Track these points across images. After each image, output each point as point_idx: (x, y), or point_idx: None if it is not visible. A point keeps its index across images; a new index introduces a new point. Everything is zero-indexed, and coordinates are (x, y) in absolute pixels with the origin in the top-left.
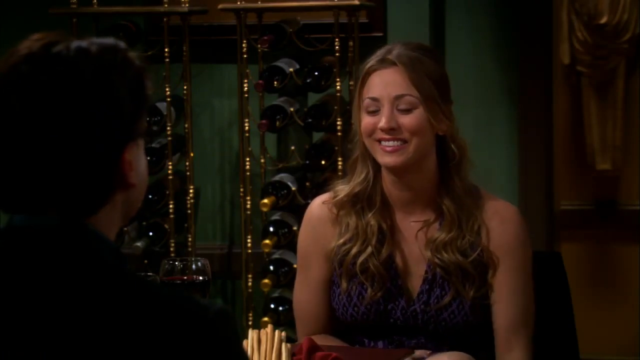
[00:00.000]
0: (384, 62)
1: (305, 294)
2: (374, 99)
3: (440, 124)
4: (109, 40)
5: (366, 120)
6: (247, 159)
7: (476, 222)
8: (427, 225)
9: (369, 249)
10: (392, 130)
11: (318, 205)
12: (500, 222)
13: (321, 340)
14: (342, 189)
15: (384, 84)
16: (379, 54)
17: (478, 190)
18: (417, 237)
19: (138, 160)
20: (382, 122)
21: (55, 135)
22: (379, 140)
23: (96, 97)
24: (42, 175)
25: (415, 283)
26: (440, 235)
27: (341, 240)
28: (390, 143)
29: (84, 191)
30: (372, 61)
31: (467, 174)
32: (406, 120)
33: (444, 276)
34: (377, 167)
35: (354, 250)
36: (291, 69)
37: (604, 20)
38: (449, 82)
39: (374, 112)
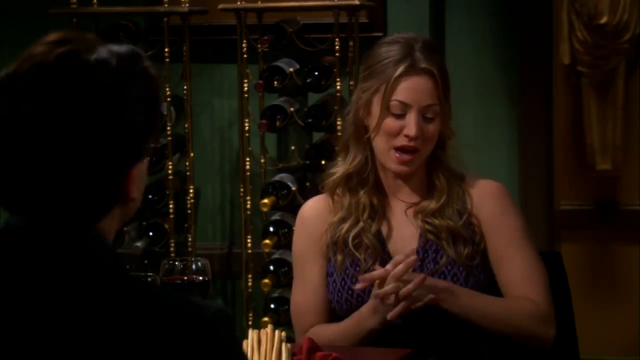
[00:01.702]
0: (412, 69)
1: (304, 297)
2: (404, 104)
3: (447, 127)
4: (129, 50)
5: (391, 123)
6: (247, 159)
7: (462, 193)
8: (417, 204)
9: (360, 224)
10: (416, 138)
11: (310, 205)
12: (486, 194)
13: (318, 330)
14: (336, 171)
15: (416, 91)
16: (401, 53)
17: (462, 173)
18: (406, 214)
19: (142, 175)
20: (412, 131)
21: (66, 145)
22: (396, 148)
23: (112, 110)
24: (49, 180)
25: None
26: (430, 204)
27: (335, 219)
28: (406, 156)
29: (88, 201)
30: (401, 67)
31: (449, 149)
32: (429, 128)
33: (436, 242)
34: (371, 151)
35: (346, 226)
36: (291, 69)
37: (604, 20)
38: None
39: (400, 116)
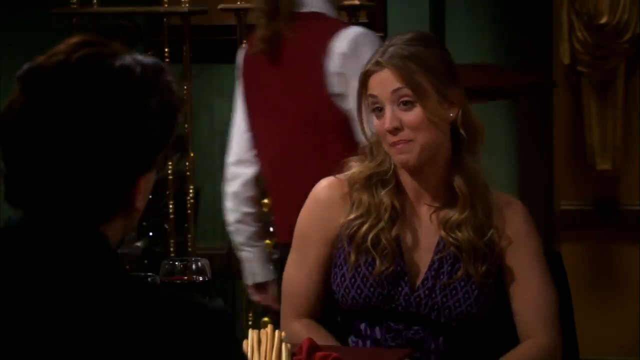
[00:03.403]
0: (378, 65)
1: (299, 274)
2: (374, 97)
3: (442, 116)
4: (154, 62)
5: (377, 123)
6: None
7: (487, 206)
8: (439, 209)
9: (381, 224)
10: (396, 130)
11: (325, 187)
12: (513, 212)
13: (306, 328)
14: (358, 168)
15: (382, 83)
16: (377, 52)
17: (487, 185)
18: (431, 219)
19: (148, 187)
20: (386, 123)
21: (78, 146)
22: (390, 144)
23: (130, 118)
24: (56, 178)
25: (422, 269)
26: (454, 215)
27: (352, 216)
28: (400, 145)
29: (93, 203)
30: (369, 64)
31: (479, 155)
32: (409, 117)
33: (456, 254)
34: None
35: (366, 225)
36: None
37: (604, 20)
38: (454, 66)
39: (380, 112)
